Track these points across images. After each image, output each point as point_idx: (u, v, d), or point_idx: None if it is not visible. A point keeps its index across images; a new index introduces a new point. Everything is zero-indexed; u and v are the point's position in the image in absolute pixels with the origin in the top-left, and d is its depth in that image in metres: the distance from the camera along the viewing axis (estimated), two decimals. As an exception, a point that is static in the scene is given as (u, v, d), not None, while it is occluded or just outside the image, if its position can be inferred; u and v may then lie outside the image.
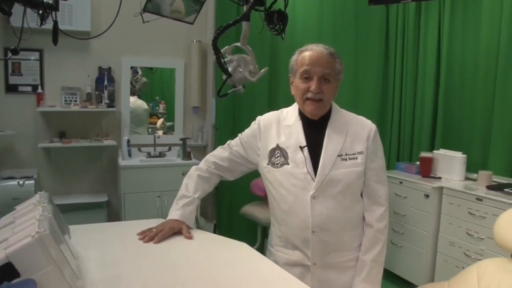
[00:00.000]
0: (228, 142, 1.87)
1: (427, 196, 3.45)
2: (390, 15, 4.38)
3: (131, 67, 4.15)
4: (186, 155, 4.00)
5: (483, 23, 3.58)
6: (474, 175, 3.50)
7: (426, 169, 3.69)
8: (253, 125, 1.83)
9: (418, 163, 3.82)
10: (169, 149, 4.19)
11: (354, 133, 1.70)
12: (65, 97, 3.76)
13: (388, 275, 3.82)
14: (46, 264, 0.93)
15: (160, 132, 4.39)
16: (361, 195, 1.75)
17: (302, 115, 1.73)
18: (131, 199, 3.62)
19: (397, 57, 4.37)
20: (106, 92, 3.88)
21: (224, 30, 2.26)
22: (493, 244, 2.95)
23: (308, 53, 1.65)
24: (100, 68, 3.90)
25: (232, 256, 1.48)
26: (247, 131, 1.84)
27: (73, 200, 3.70)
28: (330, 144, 1.66)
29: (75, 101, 3.77)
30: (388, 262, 3.78)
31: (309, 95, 1.63)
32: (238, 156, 1.82)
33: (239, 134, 1.86)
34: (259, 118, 1.83)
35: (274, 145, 1.73)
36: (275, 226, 1.81)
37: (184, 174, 3.84)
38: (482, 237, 3.05)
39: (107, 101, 3.86)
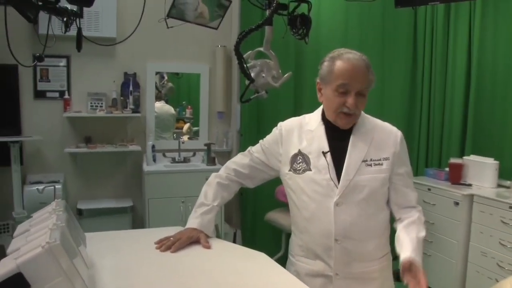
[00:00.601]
0: (248, 148, 1.84)
1: (456, 203, 3.33)
2: (418, 17, 4.28)
3: (157, 73, 4.18)
4: (211, 161, 3.99)
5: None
6: (508, 182, 3.38)
7: (456, 176, 3.57)
8: (275, 131, 1.79)
9: (447, 169, 3.71)
10: (194, 155, 4.19)
11: (379, 139, 1.66)
12: (91, 103, 3.81)
13: (417, 285, 3.71)
14: (56, 275, 0.91)
15: (185, 137, 4.40)
16: (387, 204, 1.69)
17: (325, 120, 1.68)
18: (156, 204, 3.63)
19: (425, 61, 4.25)
20: (131, 98, 3.91)
21: (246, 35, 2.24)
22: (528, 255, 2.86)
23: (345, 65, 1.56)
24: (125, 74, 3.93)
25: (250, 267, 1.44)
26: (268, 137, 1.80)
27: (98, 204, 3.73)
28: (355, 149, 1.62)
29: (101, 106, 3.82)
30: (416, 271, 3.68)
31: (345, 110, 1.57)
32: (259, 162, 1.78)
33: (260, 141, 1.82)
34: (280, 124, 1.79)
35: (296, 151, 1.69)
36: (296, 235, 1.76)
37: (208, 179, 3.82)
38: (516, 247, 2.93)
39: (132, 106, 3.89)
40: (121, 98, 3.90)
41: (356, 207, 1.59)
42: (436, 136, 4.17)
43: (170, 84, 4.49)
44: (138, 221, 3.96)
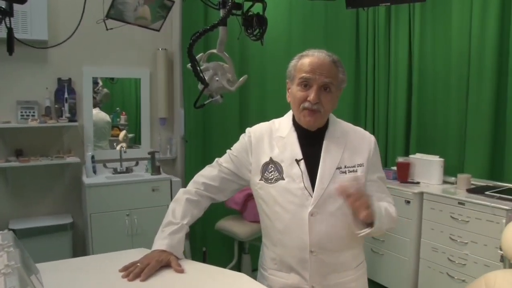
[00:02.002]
0: (216, 159, 1.72)
1: (408, 202, 3.38)
2: (360, 19, 4.32)
3: (94, 78, 3.89)
4: (155, 170, 3.78)
5: (453, 25, 3.57)
6: (452, 179, 3.49)
7: (404, 174, 3.63)
8: (243, 138, 1.67)
9: (394, 168, 3.76)
10: (136, 164, 3.95)
11: (353, 144, 1.60)
12: (21, 112, 3.46)
13: (371, 284, 3.72)
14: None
15: (124, 145, 4.15)
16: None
17: (296, 125, 1.60)
18: (98, 219, 3.37)
19: (368, 62, 4.31)
20: (66, 105, 3.61)
21: (200, 36, 2.11)
22: (478, 248, 2.93)
23: (309, 59, 1.53)
24: (59, 80, 3.62)
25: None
26: (236, 145, 1.69)
27: (34, 223, 3.39)
28: (328, 156, 1.55)
29: (33, 115, 3.48)
30: (370, 270, 3.70)
31: (307, 104, 1.50)
32: (228, 172, 1.66)
33: (228, 150, 1.70)
34: (249, 130, 1.68)
35: (267, 159, 1.59)
36: (268, 248, 1.66)
37: (154, 190, 3.61)
38: (466, 241, 3.01)
39: (68, 115, 3.59)
40: (56, 106, 3.58)
41: (332, 216, 1.53)
42: (381, 136, 4.23)
43: (105, 90, 4.21)
44: (79, 238, 3.67)
